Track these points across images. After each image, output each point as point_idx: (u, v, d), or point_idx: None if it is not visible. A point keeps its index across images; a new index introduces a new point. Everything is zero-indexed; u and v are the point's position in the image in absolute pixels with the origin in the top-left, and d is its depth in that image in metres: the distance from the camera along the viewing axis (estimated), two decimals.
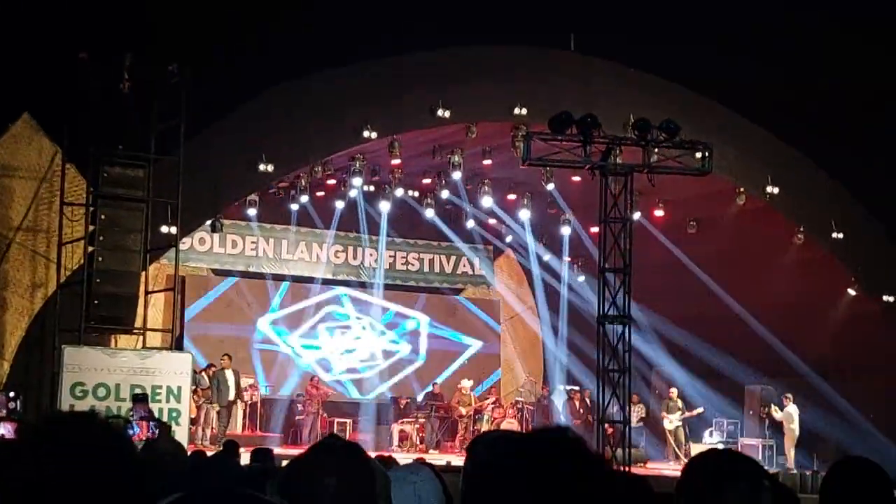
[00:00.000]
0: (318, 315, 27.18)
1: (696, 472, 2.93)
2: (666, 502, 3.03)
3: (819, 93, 20.56)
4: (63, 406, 16.66)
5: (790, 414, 22.75)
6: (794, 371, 23.09)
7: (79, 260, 18.60)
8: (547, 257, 28.22)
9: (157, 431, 14.22)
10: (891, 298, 22.85)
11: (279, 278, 26.90)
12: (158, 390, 17.82)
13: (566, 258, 27.82)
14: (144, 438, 12.97)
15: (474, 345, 28.51)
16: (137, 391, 17.25)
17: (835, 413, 22.22)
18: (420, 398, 25.61)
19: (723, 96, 21.10)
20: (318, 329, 27.16)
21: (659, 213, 23.70)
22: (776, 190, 21.86)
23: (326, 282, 27.39)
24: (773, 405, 23.32)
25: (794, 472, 20.81)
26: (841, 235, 22.35)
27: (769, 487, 2.96)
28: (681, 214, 23.83)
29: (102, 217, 18.28)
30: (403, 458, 18.50)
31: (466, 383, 25.28)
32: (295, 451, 13.22)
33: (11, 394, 16.67)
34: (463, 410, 24.33)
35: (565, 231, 26.19)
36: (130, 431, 14.00)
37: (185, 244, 22.33)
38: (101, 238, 18.21)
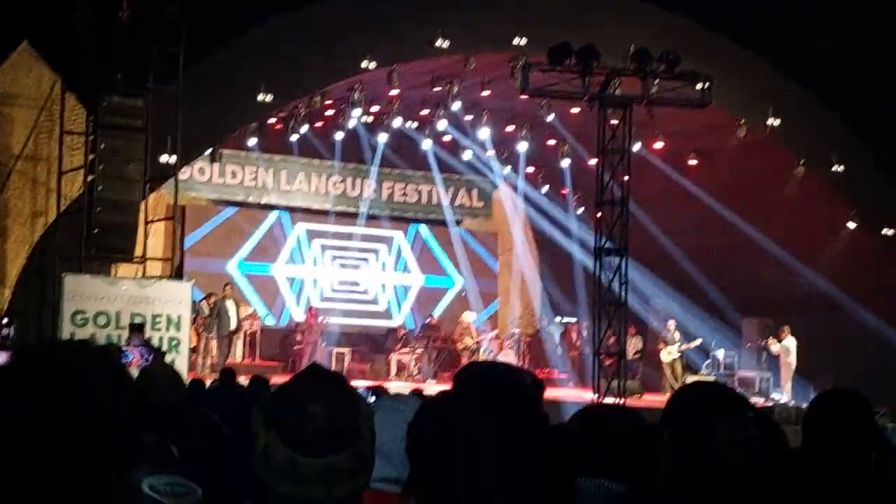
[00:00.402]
0: (316, 245, 27.29)
1: (681, 403, 2.97)
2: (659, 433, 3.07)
3: (822, 25, 20.38)
4: (64, 334, 16.83)
5: (787, 347, 22.88)
6: (793, 304, 23.15)
7: (79, 189, 18.66)
8: (545, 189, 28.23)
9: (150, 359, 14.34)
10: (890, 232, 22.85)
11: (278, 209, 26.97)
12: (158, 319, 17.95)
13: (564, 191, 27.83)
14: (138, 366, 13.09)
15: (471, 277, 28.63)
16: (137, 320, 17.40)
17: (833, 346, 22.31)
18: (417, 329, 25.80)
19: (724, 27, 20.91)
20: (317, 259, 27.28)
21: (659, 145, 23.63)
22: (777, 122, 21.76)
23: (326, 212, 27.45)
24: (770, 338, 23.47)
25: (792, 404, 20.98)
26: (842, 168, 22.29)
27: (754, 419, 3.02)
28: (681, 147, 23.76)
29: (102, 146, 18.27)
30: (401, 387, 18.74)
31: (469, 316, 25.43)
32: None
33: (5, 321, 16.78)
34: (469, 342, 24.50)
35: (564, 163, 26.16)
36: (124, 359, 14.12)
37: (184, 174, 22.33)
38: (100, 167, 18.22)
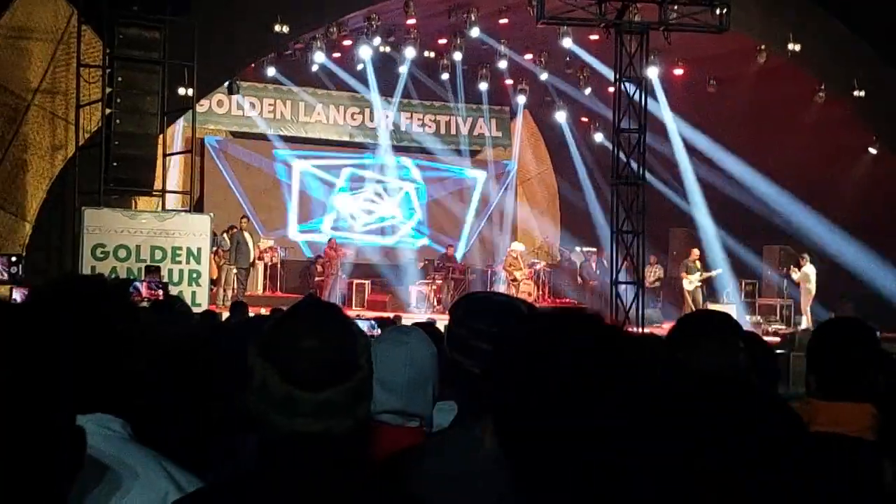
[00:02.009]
0: (335, 176, 27.31)
1: (678, 328, 3.02)
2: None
3: None
4: (84, 267, 16.96)
5: (807, 273, 22.84)
6: (814, 231, 23.05)
7: (97, 122, 18.69)
8: (563, 117, 28.06)
9: (160, 291, 14.46)
10: None
11: (297, 140, 26.97)
12: (178, 252, 18.05)
13: (584, 119, 27.67)
14: (146, 297, 13.23)
15: (491, 206, 28.63)
16: (157, 254, 17.54)
17: (854, 273, 22.26)
18: (437, 261, 25.86)
19: None
20: (337, 190, 27.32)
21: (678, 72, 23.40)
22: (797, 47, 21.49)
23: (343, 144, 27.44)
24: (791, 265, 23.43)
25: (810, 330, 20.97)
26: (863, 93, 22.05)
27: (742, 347, 3.06)
28: (700, 74, 23.54)
29: (119, 79, 18.26)
30: (420, 318, 18.83)
31: (518, 247, 25.43)
32: None
33: (13, 258, 16.86)
34: (518, 275, 24.52)
35: (583, 91, 25.95)
36: (134, 286, 14.29)
37: (202, 107, 22.32)
38: (118, 100, 18.22)
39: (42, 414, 1.19)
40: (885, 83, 21.76)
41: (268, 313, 11.00)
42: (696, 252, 24.03)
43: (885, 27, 20.18)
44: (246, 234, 22.16)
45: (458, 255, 26.30)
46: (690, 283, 23.72)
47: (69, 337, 1.27)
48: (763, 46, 21.95)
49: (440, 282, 24.45)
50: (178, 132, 22.46)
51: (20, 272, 16.00)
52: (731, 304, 22.93)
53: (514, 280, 24.36)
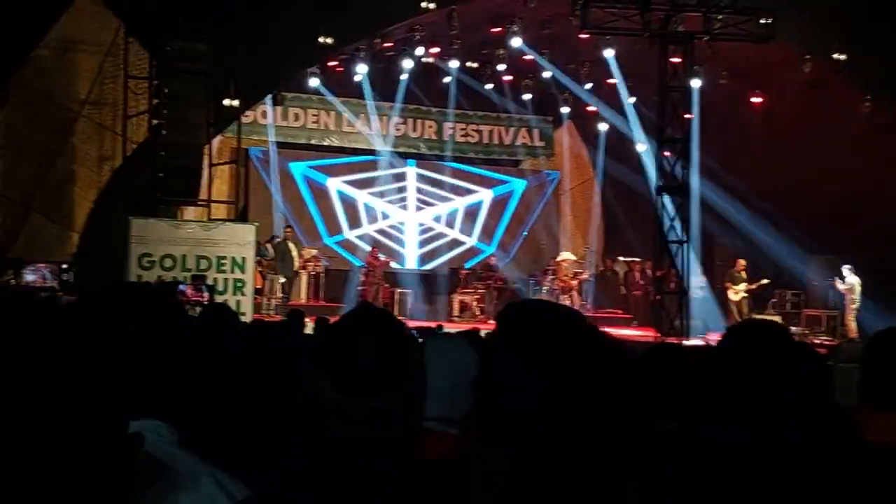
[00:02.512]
0: (380, 186, 27.41)
1: (727, 339, 3.01)
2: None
3: None
4: (131, 277, 17.15)
5: (852, 284, 22.62)
6: (861, 242, 22.80)
7: (144, 133, 18.92)
8: (607, 128, 27.98)
9: (206, 294, 14.63)
10: None
11: (342, 151, 27.11)
12: (223, 261, 18.20)
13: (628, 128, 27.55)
14: (193, 299, 13.40)
15: (533, 216, 28.61)
16: (202, 263, 17.71)
17: None
18: (479, 270, 25.84)
19: None
20: (380, 200, 27.42)
21: (722, 82, 23.25)
22: (843, 56, 21.32)
23: (389, 154, 27.54)
24: (836, 277, 23.21)
25: (857, 341, 20.77)
26: None
27: (794, 355, 3.03)
28: (744, 83, 23.40)
29: (166, 90, 18.48)
30: (462, 328, 18.82)
31: (568, 256, 25.43)
32: None
33: (63, 266, 17.06)
34: (575, 285, 24.54)
35: (628, 101, 25.83)
36: (180, 287, 14.50)
37: (247, 118, 22.50)
38: (164, 111, 18.43)
39: (100, 416, 1.22)
40: None
41: (312, 323, 11.07)
42: (741, 262, 23.83)
43: None
44: (290, 244, 22.31)
45: (500, 265, 26.26)
46: (736, 293, 23.53)
47: (120, 340, 1.30)
48: (808, 56, 21.78)
49: (483, 291, 24.45)
50: (224, 142, 22.60)
51: (71, 279, 16.23)
52: (777, 315, 22.73)
53: (560, 289, 24.30)
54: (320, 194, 26.82)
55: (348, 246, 26.57)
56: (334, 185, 27.03)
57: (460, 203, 28.31)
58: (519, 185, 28.91)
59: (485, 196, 28.51)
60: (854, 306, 22.66)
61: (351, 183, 27.20)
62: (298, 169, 26.59)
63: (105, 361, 1.28)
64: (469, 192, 28.38)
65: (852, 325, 22.65)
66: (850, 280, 22.64)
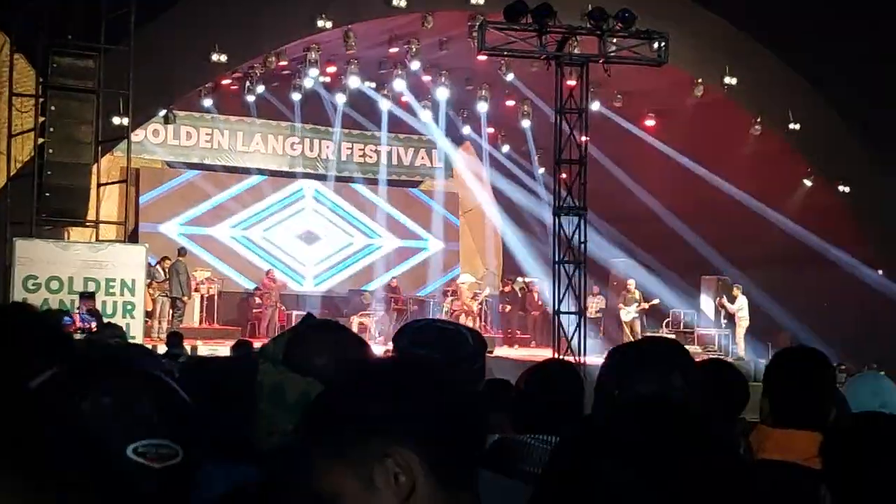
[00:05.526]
0: (275, 207, 27.06)
1: (612, 358, 2.94)
2: None
3: None
4: (16, 299, 16.59)
5: (740, 305, 23.11)
6: (751, 262, 23.26)
7: (29, 152, 18.37)
8: (505, 149, 28.13)
9: (93, 323, 14.23)
10: (846, 189, 22.97)
11: (235, 171, 26.70)
12: (112, 283, 17.77)
13: (527, 150, 27.74)
14: (79, 328, 12.99)
15: (433, 238, 28.55)
16: (90, 285, 17.22)
17: (791, 303, 22.47)
18: (378, 292, 25.69)
19: None
20: (276, 221, 27.06)
21: (617, 105, 23.56)
22: (734, 81, 21.77)
23: (283, 174, 27.24)
24: (724, 296, 23.64)
25: (746, 360, 21.14)
26: (798, 126, 22.36)
27: (679, 376, 2.96)
28: (639, 106, 23.72)
29: (52, 108, 18.00)
30: None
31: (466, 278, 25.38)
32: (256, 344, 13.28)
33: None
34: (475, 307, 24.47)
35: (524, 123, 26.03)
36: (65, 320, 14.10)
37: (137, 136, 22.03)
38: (51, 130, 17.96)
39: None
40: (820, 116, 22.09)
41: (231, 346, 10.75)
42: (632, 282, 24.15)
43: (819, 60, 20.47)
44: (182, 265, 21.84)
45: (400, 286, 26.12)
46: (628, 313, 23.82)
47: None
48: (699, 80, 22.19)
49: (381, 313, 24.28)
50: (113, 161, 22.10)
51: None
52: (671, 335, 23.02)
53: (461, 311, 24.26)
54: (206, 239, 26.13)
55: (243, 268, 26.10)
56: (220, 232, 26.42)
57: (359, 225, 28.09)
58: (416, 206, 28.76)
59: (385, 237, 28.26)
60: (743, 325, 23.13)
61: (240, 221, 26.59)
62: (180, 219, 25.81)
63: None
64: (366, 212, 28.13)
65: (742, 344, 23.09)
66: (739, 301, 23.09)
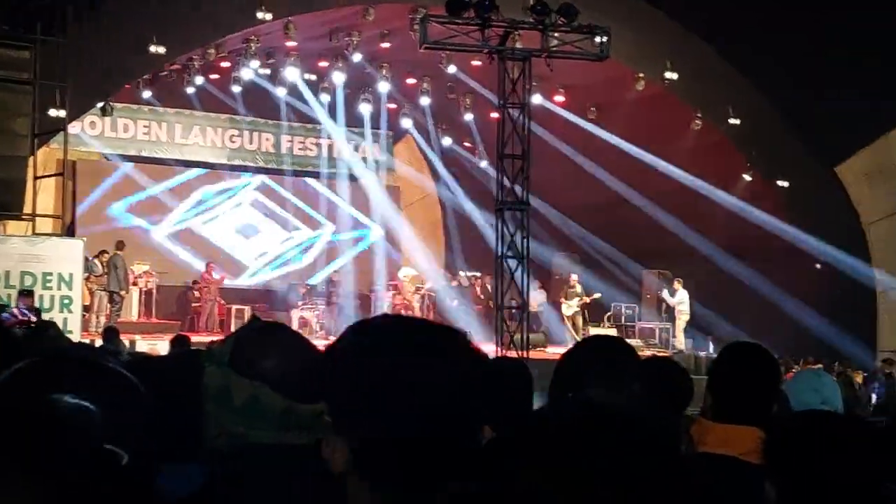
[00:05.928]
0: (215, 200, 26.80)
1: (566, 358, 2.95)
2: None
3: None
4: None
5: (680, 298, 23.27)
6: (691, 256, 23.41)
7: None
8: (448, 142, 28.09)
9: (32, 317, 14.02)
10: (785, 184, 23.20)
11: (172, 163, 26.40)
12: (49, 277, 17.49)
13: (467, 144, 27.73)
14: (17, 326, 12.78)
15: (374, 231, 28.45)
16: (27, 279, 16.95)
17: (731, 296, 22.65)
18: (319, 286, 25.54)
19: None
20: (215, 214, 26.80)
21: (559, 98, 23.61)
22: (675, 75, 21.90)
23: (223, 167, 26.98)
24: (664, 290, 23.81)
25: (686, 353, 21.32)
26: (738, 121, 22.55)
27: (635, 374, 2.96)
28: (581, 100, 23.79)
29: None
30: None
31: (407, 272, 25.26)
32: (195, 338, 13.18)
33: None
34: (406, 300, 24.36)
35: (467, 116, 26.01)
36: (4, 316, 13.92)
37: (74, 128, 21.71)
38: None
39: None
40: (759, 111, 22.27)
41: (169, 341, 10.60)
42: (574, 277, 24.22)
43: (759, 55, 20.64)
44: (119, 259, 21.53)
45: (342, 280, 25.97)
46: (569, 307, 23.87)
47: None
48: (641, 74, 22.31)
49: (323, 307, 24.14)
50: (50, 154, 21.74)
51: None
52: (612, 329, 23.16)
53: (402, 305, 24.19)
54: (144, 233, 25.84)
55: (182, 262, 25.80)
56: (159, 226, 26.15)
57: (301, 218, 27.92)
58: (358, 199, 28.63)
59: (327, 231, 28.14)
60: (683, 319, 23.30)
61: (179, 215, 26.31)
62: (118, 212, 25.61)
63: None
64: (308, 204, 27.97)
65: (681, 337, 23.27)
66: (679, 294, 23.26)
